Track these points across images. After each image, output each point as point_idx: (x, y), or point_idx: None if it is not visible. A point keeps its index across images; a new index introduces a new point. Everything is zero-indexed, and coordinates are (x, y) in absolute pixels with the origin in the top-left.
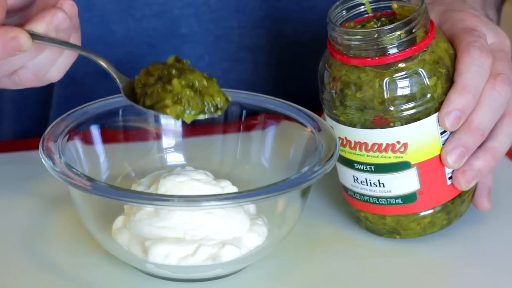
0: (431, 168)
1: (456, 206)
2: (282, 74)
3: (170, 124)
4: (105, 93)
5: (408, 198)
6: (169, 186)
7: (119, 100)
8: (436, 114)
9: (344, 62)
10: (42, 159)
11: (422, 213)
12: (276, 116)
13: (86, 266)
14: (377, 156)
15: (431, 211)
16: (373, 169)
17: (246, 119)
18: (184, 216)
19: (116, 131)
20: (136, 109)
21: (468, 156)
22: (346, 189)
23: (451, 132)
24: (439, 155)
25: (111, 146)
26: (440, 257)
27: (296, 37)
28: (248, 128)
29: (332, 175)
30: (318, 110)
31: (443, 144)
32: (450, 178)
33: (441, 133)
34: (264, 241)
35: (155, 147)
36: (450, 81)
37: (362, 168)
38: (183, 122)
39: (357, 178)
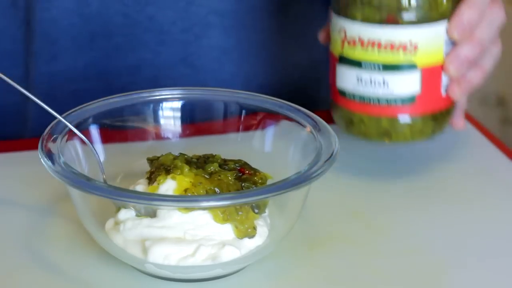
0: (432, 75)
1: (445, 118)
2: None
3: (169, 124)
4: None
5: (407, 100)
6: (171, 184)
7: (118, 100)
8: (445, 21)
9: None
10: (41, 159)
11: (416, 118)
12: (275, 116)
13: (86, 266)
14: (389, 55)
15: (424, 117)
16: (381, 68)
17: (245, 119)
18: (184, 216)
19: (116, 131)
20: (135, 109)
21: (467, 67)
22: (344, 93)
23: (453, 45)
24: (440, 64)
25: (110, 146)
26: (442, 258)
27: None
28: (247, 128)
29: (331, 174)
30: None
31: (444, 55)
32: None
33: (445, 42)
34: (264, 241)
35: (155, 147)
36: None
37: (370, 67)
38: (183, 122)
39: (361, 79)
